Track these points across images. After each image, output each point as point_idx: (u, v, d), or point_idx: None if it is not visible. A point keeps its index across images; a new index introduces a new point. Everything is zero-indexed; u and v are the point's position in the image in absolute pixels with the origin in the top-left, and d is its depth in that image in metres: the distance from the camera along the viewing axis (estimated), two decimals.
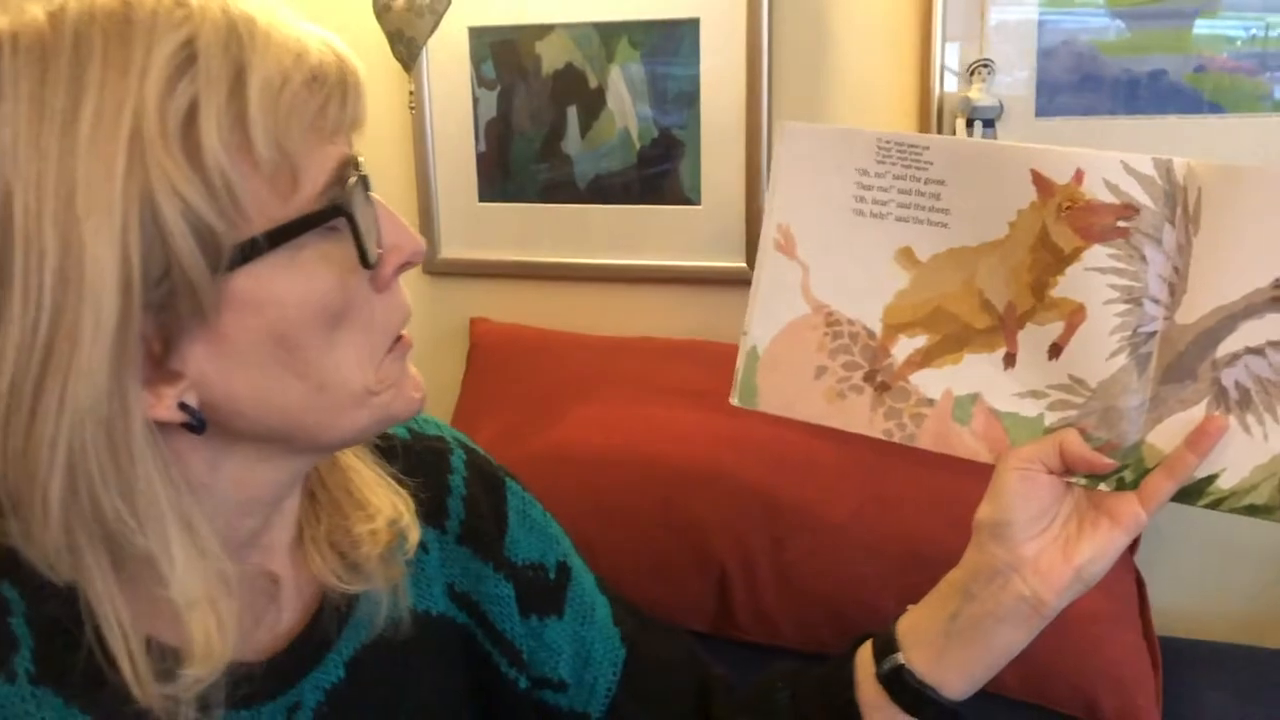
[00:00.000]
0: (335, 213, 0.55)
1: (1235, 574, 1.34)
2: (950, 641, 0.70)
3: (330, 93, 0.55)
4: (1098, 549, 0.67)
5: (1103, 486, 0.67)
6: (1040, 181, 0.66)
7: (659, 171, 1.48)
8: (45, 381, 0.49)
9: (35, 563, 0.53)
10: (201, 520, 0.56)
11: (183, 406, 0.54)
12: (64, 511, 0.51)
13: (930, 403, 0.70)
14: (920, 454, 0.72)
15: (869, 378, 0.72)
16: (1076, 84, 1.31)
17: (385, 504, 0.69)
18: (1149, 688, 1.10)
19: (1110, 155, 0.65)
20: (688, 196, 1.48)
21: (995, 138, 1.33)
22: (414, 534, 0.70)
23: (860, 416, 0.72)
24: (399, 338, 0.61)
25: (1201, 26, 1.26)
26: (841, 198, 0.71)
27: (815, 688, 0.77)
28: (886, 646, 0.73)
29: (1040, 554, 0.67)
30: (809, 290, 0.72)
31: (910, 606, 0.75)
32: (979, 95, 1.32)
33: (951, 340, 0.70)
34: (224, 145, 0.50)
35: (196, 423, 0.55)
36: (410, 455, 0.74)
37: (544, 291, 1.58)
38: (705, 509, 1.22)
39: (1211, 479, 0.65)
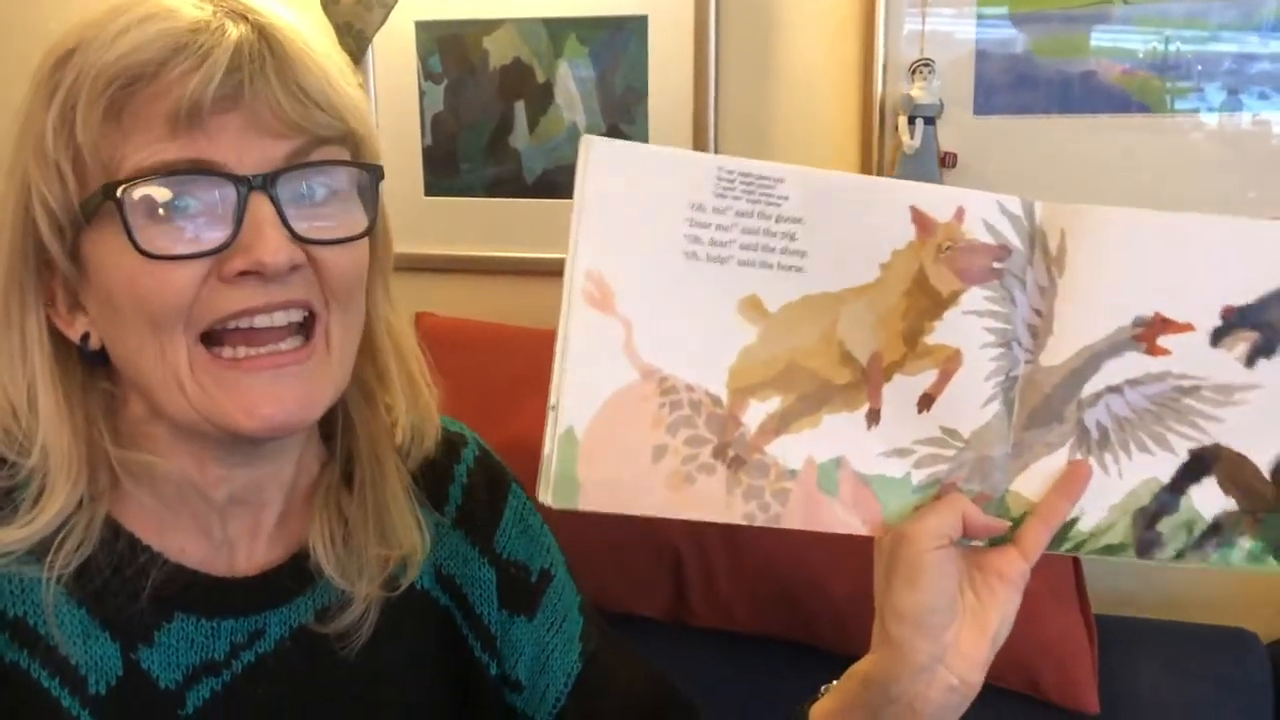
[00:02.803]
0: (100, 198, 0.61)
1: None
2: None
3: (144, 86, 0.60)
4: (1004, 613, 0.63)
5: (977, 543, 0.64)
6: (920, 219, 0.61)
7: None
8: None
9: None
10: (100, 423, 0.66)
11: (84, 337, 0.66)
12: None
13: (792, 474, 0.61)
14: None
15: (719, 453, 0.61)
16: (1013, 83, 1.36)
17: (407, 542, 0.73)
18: (1087, 663, 1.15)
19: (987, 195, 0.61)
20: None
21: (936, 135, 1.37)
22: (413, 574, 0.74)
23: (715, 502, 0.61)
24: (219, 348, 0.64)
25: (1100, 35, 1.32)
26: (670, 238, 0.59)
27: None
28: None
29: (959, 636, 0.63)
30: (634, 352, 0.59)
31: (824, 689, 0.70)
32: (920, 94, 1.36)
33: (808, 400, 0.61)
34: (55, 127, 0.61)
35: (87, 349, 0.66)
36: (432, 446, 0.77)
37: (491, 286, 1.58)
38: None
39: (1072, 523, 0.63)
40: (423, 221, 1.58)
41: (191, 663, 0.68)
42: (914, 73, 1.36)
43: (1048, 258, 0.62)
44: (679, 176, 0.59)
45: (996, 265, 0.61)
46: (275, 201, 0.61)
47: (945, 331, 0.61)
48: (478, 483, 0.80)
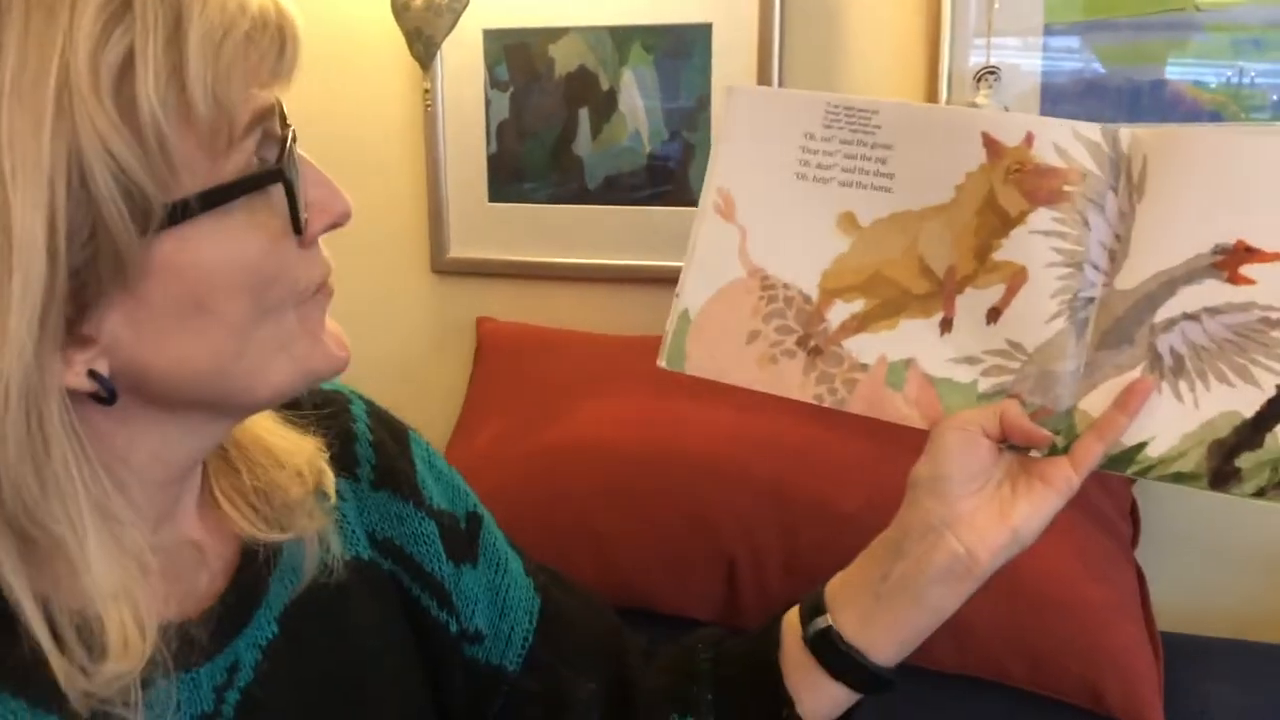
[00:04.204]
0: (272, 177, 0.52)
1: (1233, 573, 1.37)
2: (880, 603, 0.69)
3: (269, 45, 0.52)
4: (1033, 509, 0.66)
5: (1034, 452, 0.67)
6: (990, 144, 0.66)
7: (669, 173, 1.51)
8: None
9: None
10: (122, 507, 0.52)
11: (92, 374, 0.51)
12: None
13: (864, 368, 0.70)
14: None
15: (802, 342, 0.71)
16: (1081, 93, 1.34)
17: (297, 448, 0.66)
18: (1152, 679, 1.12)
19: (1061, 121, 0.65)
20: (698, 199, 1.50)
21: None
22: (329, 478, 0.68)
23: (792, 381, 0.71)
24: (320, 288, 0.58)
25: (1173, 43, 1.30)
26: (785, 161, 0.71)
27: (738, 651, 0.75)
28: (814, 609, 0.71)
29: (976, 511, 0.66)
30: (746, 254, 0.72)
31: (841, 571, 0.74)
32: (985, 102, 1.35)
33: (888, 306, 0.70)
34: (160, 101, 0.47)
35: (106, 393, 0.51)
36: (310, 405, 0.70)
37: (551, 291, 1.60)
38: (715, 500, 1.23)
39: (1140, 446, 0.65)
40: (485, 227, 1.60)
41: None
42: (979, 80, 1.36)
43: (1130, 184, 0.64)
44: (795, 111, 0.71)
45: (1067, 188, 0.65)
46: None
47: (1012, 248, 0.66)
48: (382, 437, 0.74)
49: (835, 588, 0.72)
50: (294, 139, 0.54)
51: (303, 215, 0.53)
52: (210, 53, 0.48)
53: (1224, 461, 0.63)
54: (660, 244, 1.52)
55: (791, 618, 0.73)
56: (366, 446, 0.73)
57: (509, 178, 1.58)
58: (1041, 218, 0.65)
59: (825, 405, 0.70)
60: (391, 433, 0.75)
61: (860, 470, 1.20)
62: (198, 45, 0.48)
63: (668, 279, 1.56)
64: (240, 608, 0.63)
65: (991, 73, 1.35)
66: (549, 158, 1.55)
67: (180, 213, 0.49)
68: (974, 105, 1.35)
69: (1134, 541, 1.29)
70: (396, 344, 1.65)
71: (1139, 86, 1.32)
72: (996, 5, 1.35)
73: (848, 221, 0.70)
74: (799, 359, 0.71)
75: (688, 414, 1.30)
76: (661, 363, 0.74)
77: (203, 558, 0.63)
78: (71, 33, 0.46)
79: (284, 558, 0.66)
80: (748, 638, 0.76)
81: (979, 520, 0.66)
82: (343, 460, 0.71)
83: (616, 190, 1.53)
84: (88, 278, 0.48)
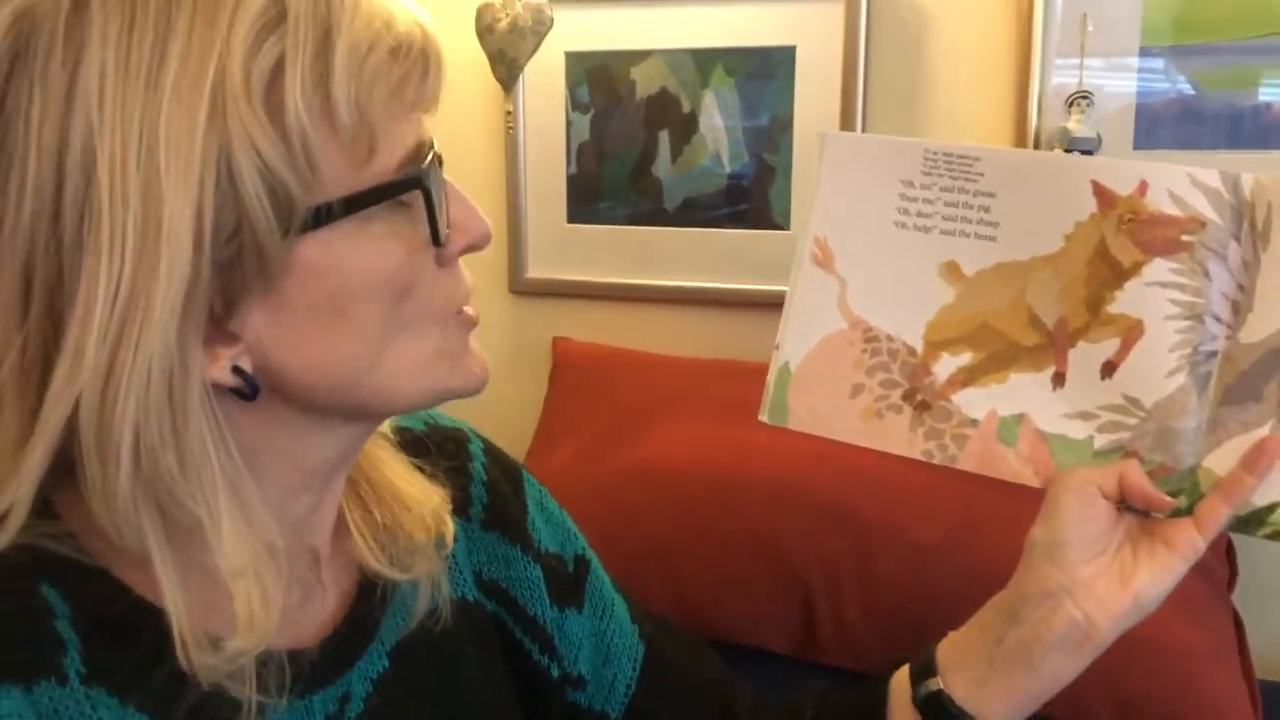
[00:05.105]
0: (413, 184, 0.54)
1: None
2: (994, 667, 0.67)
3: (413, 65, 0.54)
4: (1156, 575, 0.64)
5: (1155, 513, 0.65)
6: (1101, 193, 0.64)
7: (748, 195, 1.50)
8: (123, 335, 0.49)
9: (107, 528, 0.52)
10: (251, 489, 0.54)
11: (236, 370, 0.53)
12: (130, 472, 0.50)
13: (974, 423, 0.68)
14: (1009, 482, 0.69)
15: (908, 396, 0.69)
16: (1177, 116, 1.30)
17: (424, 496, 0.68)
18: None
19: (1176, 168, 0.63)
20: (777, 221, 1.48)
21: None
22: (450, 529, 0.69)
23: (899, 437, 0.69)
24: (460, 312, 0.60)
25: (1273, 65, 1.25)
26: (884, 210, 0.69)
27: (843, 706, 0.74)
28: (925, 669, 0.70)
29: (1096, 577, 0.64)
30: (847, 305, 0.70)
31: (952, 632, 0.72)
32: (1077, 127, 1.31)
33: (997, 358, 0.67)
34: (306, 106, 0.49)
35: (249, 389, 0.54)
36: (430, 444, 0.72)
37: (628, 313, 1.59)
38: (791, 528, 1.21)
39: (1272, 508, 0.62)
40: (564, 248, 1.60)
41: None
42: (1071, 105, 1.32)
43: (1254, 232, 0.61)
44: (893, 158, 0.69)
45: (1185, 238, 0.62)
46: None
47: (1127, 301, 0.64)
48: (496, 476, 0.76)
49: (947, 650, 0.70)
50: (438, 160, 0.56)
51: (442, 230, 0.55)
52: (355, 65, 0.51)
53: None
54: (738, 266, 1.51)
55: (900, 677, 0.72)
56: (480, 487, 0.74)
57: (588, 199, 1.58)
58: (1157, 269, 0.63)
59: (934, 462, 0.68)
60: (505, 473, 0.77)
61: (940, 501, 1.17)
62: (344, 57, 0.50)
63: (745, 302, 1.57)
64: (355, 639, 0.65)
65: (1084, 97, 1.32)
66: (628, 179, 1.55)
67: (323, 216, 0.52)
68: (1064, 129, 1.32)
69: (1231, 585, 1.24)
70: None
71: (1239, 111, 1.28)
72: (1090, 28, 1.31)
73: (951, 271, 0.68)
74: (905, 414, 0.69)
75: (762, 438, 1.27)
76: (764, 417, 0.71)
77: (319, 581, 0.65)
78: (229, 40, 0.49)
79: (397, 596, 0.67)
80: (854, 693, 0.75)
81: (1099, 587, 0.64)
82: (457, 501, 0.72)
83: (695, 212, 1.53)
84: (233, 274, 0.51)
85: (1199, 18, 1.28)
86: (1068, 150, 1.31)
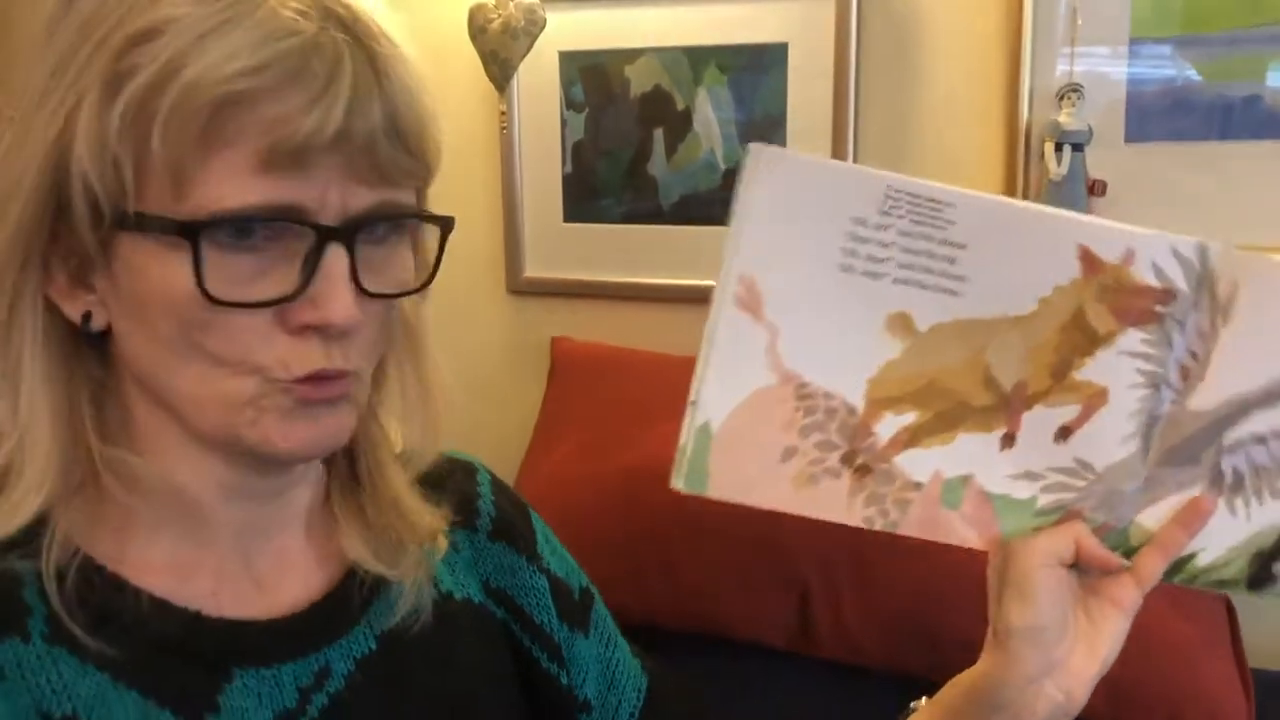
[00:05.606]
0: (183, 231, 0.55)
1: None
2: None
3: (247, 120, 0.54)
4: (1115, 637, 0.65)
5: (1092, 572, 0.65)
6: (1088, 259, 0.61)
7: None
8: None
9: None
10: (61, 403, 0.60)
11: (86, 316, 0.60)
12: None
13: (917, 486, 0.63)
14: None
15: (847, 459, 0.62)
16: (1167, 108, 1.30)
17: (421, 510, 0.70)
18: (1242, 716, 1.08)
19: (1161, 237, 0.61)
20: None
21: (1084, 163, 1.33)
22: (442, 543, 0.71)
23: (836, 504, 0.63)
24: (296, 380, 0.58)
25: (1268, 56, 1.25)
26: (827, 249, 0.60)
27: None
28: None
29: (1070, 654, 0.64)
30: (777, 357, 0.61)
31: (918, 704, 0.72)
32: (1068, 120, 1.32)
33: (944, 418, 0.63)
34: (125, 124, 0.54)
35: (87, 330, 0.60)
36: (442, 470, 0.74)
37: (626, 311, 1.60)
38: (789, 525, 1.21)
39: (1190, 557, 0.64)
40: (561, 247, 1.61)
41: (265, 719, 0.63)
42: (1062, 98, 1.33)
43: (1214, 304, 0.61)
44: (845, 191, 0.60)
45: (1159, 309, 0.61)
46: (351, 254, 0.57)
47: (1096, 369, 0.62)
48: (503, 501, 0.78)
49: None
50: (329, 234, 0.56)
51: (211, 289, 0.55)
52: (183, 103, 0.54)
53: (1262, 569, 0.64)
54: None
55: None
56: (488, 504, 0.77)
57: (584, 198, 1.59)
58: (1130, 339, 0.61)
59: (875, 529, 0.64)
60: (512, 503, 0.79)
61: None
62: (177, 93, 0.54)
63: None
64: (335, 618, 0.67)
65: (1075, 90, 1.32)
66: (624, 177, 1.56)
67: (129, 222, 0.56)
68: (1057, 123, 1.32)
69: None
70: (472, 363, 1.66)
71: (1230, 102, 1.28)
72: (1080, 20, 1.32)
73: (901, 324, 0.61)
74: (844, 479, 0.63)
75: None
76: (677, 484, 0.62)
77: (298, 570, 0.67)
78: (106, 39, 0.55)
79: (383, 590, 0.69)
80: None
81: (1074, 663, 0.64)
82: (463, 513, 0.74)
83: (691, 209, 1.54)
84: (75, 238, 0.57)
85: (1188, 9, 1.28)
86: (1058, 144, 1.31)
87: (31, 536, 0.58)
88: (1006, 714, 0.65)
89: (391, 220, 0.59)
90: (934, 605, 1.15)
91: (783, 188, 0.59)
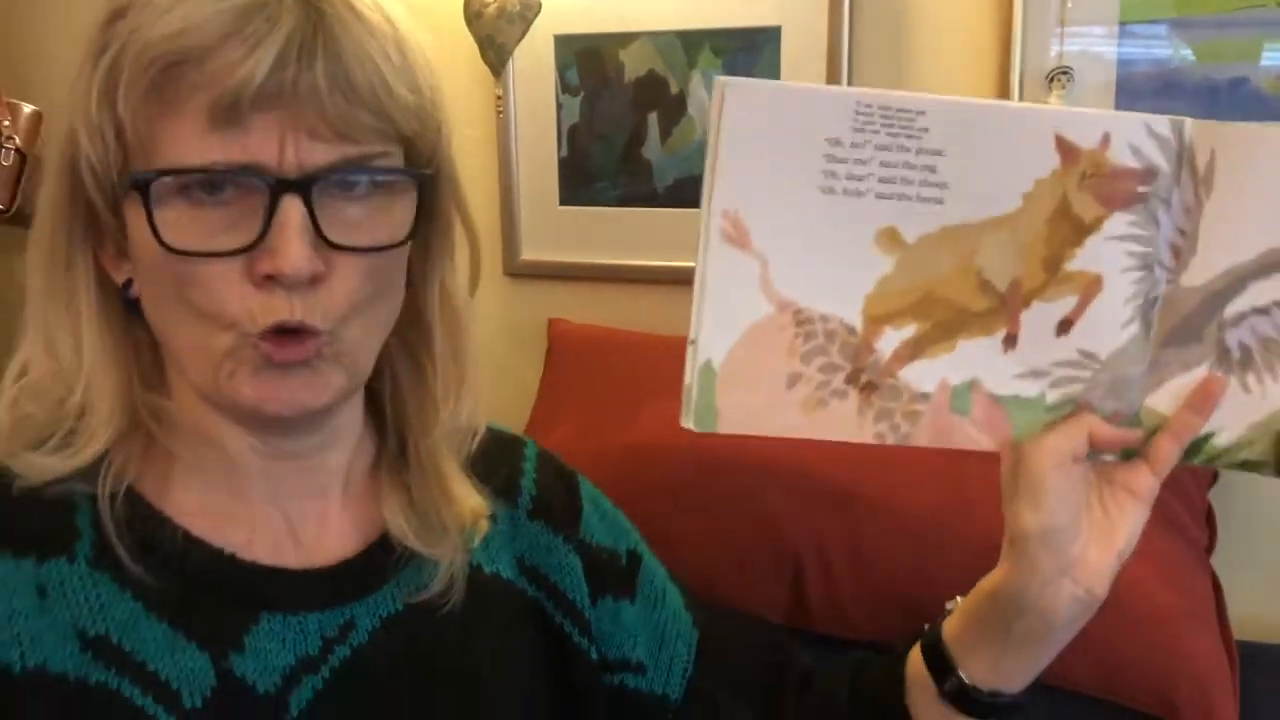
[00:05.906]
0: (134, 184, 0.59)
1: None
2: (1008, 652, 0.69)
3: (192, 77, 0.58)
4: (1132, 528, 0.66)
5: (1107, 457, 0.65)
6: (1065, 148, 0.60)
7: None
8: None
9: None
10: (131, 363, 0.66)
11: (127, 283, 0.65)
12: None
13: (925, 397, 0.64)
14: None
15: (852, 379, 0.63)
16: (1157, 91, 1.32)
17: (466, 495, 0.73)
18: (1226, 687, 1.10)
19: (1134, 117, 0.61)
20: None
21: None
22: (483, 527, 0.74)
23: (846, 423, 0.64)
24: (263, 335, 0.60)
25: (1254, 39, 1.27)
26: (807, 174, 0.60)
27: (871, 695, 0.78)
28: (940, 662, 0.72)
29: (1086, 550, 0.65)
30: (770, 286, 0.62)
31: (950, 605, 0.73)
32: (1058, 103, 1.33)
33: (944, 327, 0.63)
34: (99, 96, 0.60)
35: (126, 295, 0.65)
36: (491, 445, 0.77)
37: (622, 294, 1.62)
38: (782, 502, 1.24)
39: (1207, 437, 0.64)
40: (557, 230, 1.63)
41: (287, 663, 0.66)
42: (1051, 81, 1.34)
43: (1195, 177, 0.61)
44: (815, 112, 0.60)
45: (1141, 189, 0.61)
46: (310, 206, 0.59)
47: (1087, 258, 0.62)
48: (547, 476, 0.81)
49: (956, 640, 0.71)
50: (284, 185, 0.59)
51: (166, 237, 0.59)
52: (134, 68, 0.59)
53: None
54: None
55: (915, 669, 0.74)
56: (530, 482, 0.80)
57: (580, 181, 1.60)
58: (1117, 223, 0.61)
59: (888, 443, 0.64)
60: (559, 475, 0.82)
61: (926, 469, 1.20)
62: (131, 59, 0.59)
63: None
64: (365, 578, 0.70)
65: (1064, 72, 1.34)
66: (619, 161, 1.57)
67: (121, 187, 0.61)
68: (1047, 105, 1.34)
69: (1210, 549, 1.27)
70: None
71: (1218, 84, 1.30)
72: (1069, 3, 1.33)
73: (890, 238, 0.61)
74: (851, 398, 0.63)
75: None
76: (688, 423, 0.63)
77: (334, 532, 0.71)
78: (129, 26, 0.60)
79: (414, 562, 0.71)
80: (877, 676, 0.78)
81: (1091, 557, 0.65)
82: (505, 490, 0.77)
83: (686, 192, 1.55)
84: (101, 211, 0.63)
85: None
86: None
87: (93, 469, 0.64)
88: (1031, 615, 0.66)
89: (353, 174, 0.61)
90: (926, 581, 1.17)
91: (753, 117, 0.59)
